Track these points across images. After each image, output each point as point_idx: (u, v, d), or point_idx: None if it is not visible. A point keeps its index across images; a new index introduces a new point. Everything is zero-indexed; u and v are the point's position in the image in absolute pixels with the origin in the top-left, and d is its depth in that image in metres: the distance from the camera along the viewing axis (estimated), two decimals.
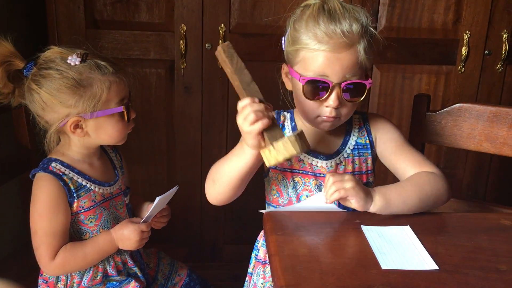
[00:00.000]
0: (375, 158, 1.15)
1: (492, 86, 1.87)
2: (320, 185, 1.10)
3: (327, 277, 0.79)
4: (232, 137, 1.85)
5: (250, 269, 1.20)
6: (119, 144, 1.18)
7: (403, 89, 1.86)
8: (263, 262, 1.15)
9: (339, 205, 1.03)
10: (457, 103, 1.34)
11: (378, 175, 1.19)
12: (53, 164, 1.12)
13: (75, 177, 1.13)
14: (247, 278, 1.21)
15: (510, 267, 0.85)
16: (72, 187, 1.11)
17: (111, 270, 1.18)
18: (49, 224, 1.09)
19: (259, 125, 0.90)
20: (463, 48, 1.81)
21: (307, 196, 1.10)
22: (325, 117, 1.04)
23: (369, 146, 1.14)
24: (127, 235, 1.14)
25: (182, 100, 1.82)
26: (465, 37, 1.80)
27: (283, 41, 1.09)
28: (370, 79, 1.04)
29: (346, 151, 1.12)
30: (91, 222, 1.15)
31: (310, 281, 0.78)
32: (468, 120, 1.32)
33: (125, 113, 1.12)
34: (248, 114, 0.90)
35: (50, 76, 1.08)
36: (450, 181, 1.09)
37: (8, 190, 1.60)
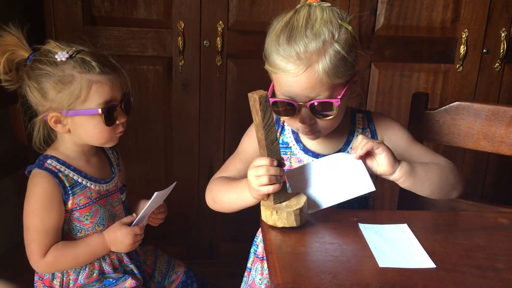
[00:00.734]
0: None
1: (490, 84, 1.87)
2: None
3: (324, 275, 0.79)
4: (230, 134, 1.84)
5: (249, 264, 1.20)
6: (107, 146, 1.17)
7: (401, 87, 1.86)
8: (262, 258, 1.15)
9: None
10: (455, 101, 1.34)
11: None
12: (49, 161, 1.11)
13: (71, 174, 1.12)
14: (245, 273, 1.21)
15: (507, 265, 0.85)
16: (67, 184, 1.11)
17: (107, 268, 1.17)
18: (41, 221, 1.09)
19: (269, 189, 0.91)
20: (462, 46, 1.81)
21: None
22: (304, 131, 1.04)
23: None
24: (120, 239, 1.13)
25: (180, 97, 1.81)
26: (464, 36, 1.80)
27: (264, 53, 1.06)
28: (338, 98, 0.99)
29: (348, 151, 1.12)
30: (86, 219, 1.14)
31: (307, 279, 0.78)
32: (466, 118, 1.32)
33: (102, 116, 1.08)
34: (262, 176, 0.90)
35: (37, 68, 1.08)
36: None
37: (4, 187, 1.60)
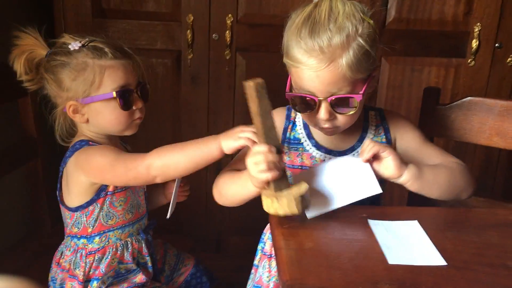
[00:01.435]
0: None
1: (503, 79, 1.84)
2: None
3: (333, 272, 0.79)
4: None
5: (256, 262, 1.19)
6: (126, 134, 1.17)
7: (412, 82, 1.84)
8: (269, 256, 1.14)
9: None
10: (466, 96, 1.32)
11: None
12: (90, 143, 1.12)
13: None
14: (252, 270, 1.20)
15: None
16: None
17: (127, 257, 1.17)
18: (116, 155, 1.07)
19: (268, 176, 0.89)
20: (474, 40, 1.79)
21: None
22: (323, 128, 1.03)
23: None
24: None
25: (188, 90, 1.81)
26: (476, 30, 1.78)
27: (282, 46, 1.04)
28: (360, 93, 0.98)
29: (354, 155, 1.11)
30: (120, 205, 1.15)
31: (316, 275, 0.78)
32: (479, 114, 1.30)
33: (118, 100, 1.09)
34: (260, 162, 0.89)
35: (52, 60, 1.10)
36: None
37: (14, 179, 1.60)
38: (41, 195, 1.47)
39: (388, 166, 0.97)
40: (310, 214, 0.93)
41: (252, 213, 2.00)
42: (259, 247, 1.19)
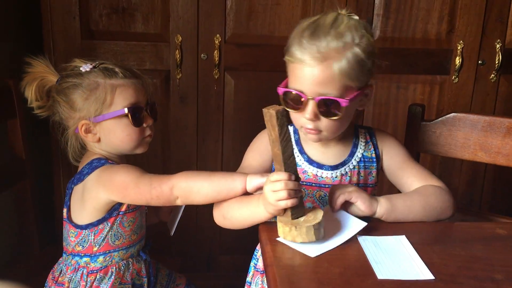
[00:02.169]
0: (379, 172, 1.17)
1: (486, 95, 1.88)
2: (325, 196, 1.10)
3: (323, 287, 0.79)
4: (228, 146, 1.85)
5: (248, 278, 1.19)
6: (137, 152, 1.18)
7: (398, 99, 1.87)
8: (262, 272, 1.15)
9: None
10: (451, 112, 1.35)
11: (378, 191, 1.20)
12: (109, 161, 1.13)
13: None
14: (245, 287, 1.20)
15: (505, 276, 0.85)
16: None
17: (127, 277, 1.17)
18: (140, 173, 1.09)
19: (287, 203, 0.91)
20: (457, 58, 1.83)
21: (309, 207, 1.09)
22: (307, 129, 1.05)
23: (375, 160, 1.14)
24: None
25: (177, 110, 1.82)
26: (459, 47, 1.82)
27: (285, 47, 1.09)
28: (347, 99, 1.00)
29: (352, 163, 1.13)
30: (128, 225, 1.16)
31: None
32: (463, 129, 1.32)
33: (129, 116, 1.11)
34: (280, 190, 0.91)
35: (65, 82, 1.13)
36: None
37: (2, 201, 1.59)
38: (30, 216, 1.46)
39: (360, 208, 1.01)
40: (313, 253, 0.91)
41: (242, 232, 2.00)
42: (252, 264, 1.19)
